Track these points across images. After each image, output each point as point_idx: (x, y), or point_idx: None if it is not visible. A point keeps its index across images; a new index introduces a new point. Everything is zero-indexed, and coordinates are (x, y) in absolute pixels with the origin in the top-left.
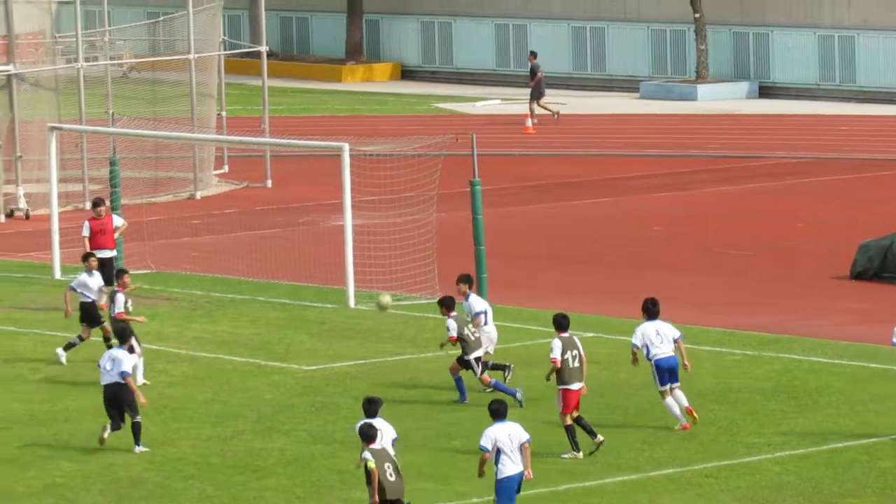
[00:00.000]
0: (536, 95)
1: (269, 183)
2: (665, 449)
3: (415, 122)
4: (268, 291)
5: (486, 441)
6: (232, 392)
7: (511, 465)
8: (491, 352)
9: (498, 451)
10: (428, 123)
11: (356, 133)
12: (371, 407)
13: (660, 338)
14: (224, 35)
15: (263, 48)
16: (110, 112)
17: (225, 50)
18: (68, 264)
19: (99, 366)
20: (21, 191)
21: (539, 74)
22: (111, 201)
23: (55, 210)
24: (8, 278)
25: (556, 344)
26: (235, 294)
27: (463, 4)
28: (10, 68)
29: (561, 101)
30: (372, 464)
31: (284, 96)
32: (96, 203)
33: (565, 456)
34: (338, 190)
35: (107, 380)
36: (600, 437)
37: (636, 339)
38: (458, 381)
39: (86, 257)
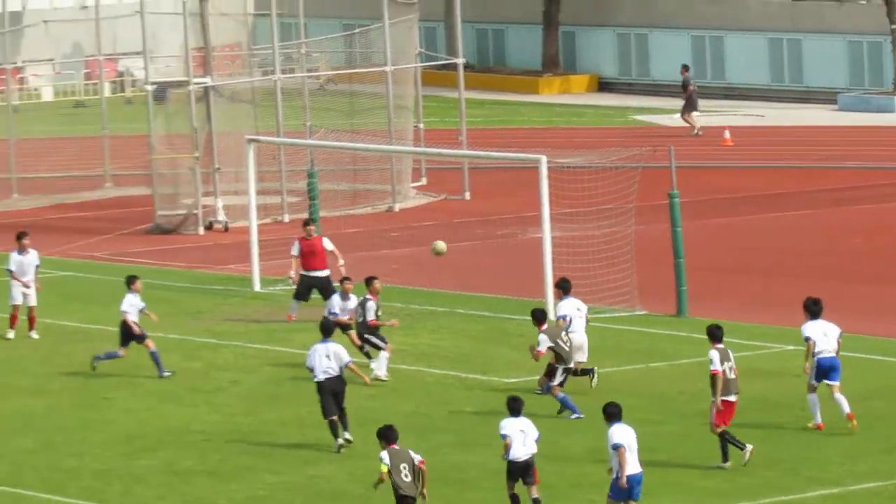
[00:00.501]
0: (688, 108)
1: (468, 195)
2: (867, 462)
3: (612, 133)
4: (467, 304)
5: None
6: (433, 405)
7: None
8: (583, 360)
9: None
10: (625, 135)
11: (553, 145)
12: (515, 405)
13: (826, 339)
14: (420, 47)
15: (460, 60)
16: (308, 124)
17: (421, 62)
18: (267, 276)
19: (311, 366)
20: (220, 203)
21: (690, 88)
22: (309, 213)
23: (254, 222)
24: (208, 290)
25: (715, 355)
26: (435, 306)
27: (659, 16)
28: (208, 80)
29: (758, 114)
30: (385, 466)
31: (481, 108)
32: (306, 223)
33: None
34: (535, 202)
35: (327, 375)
36: (749, 446)
37: (809, 332)
38: (563, 399)
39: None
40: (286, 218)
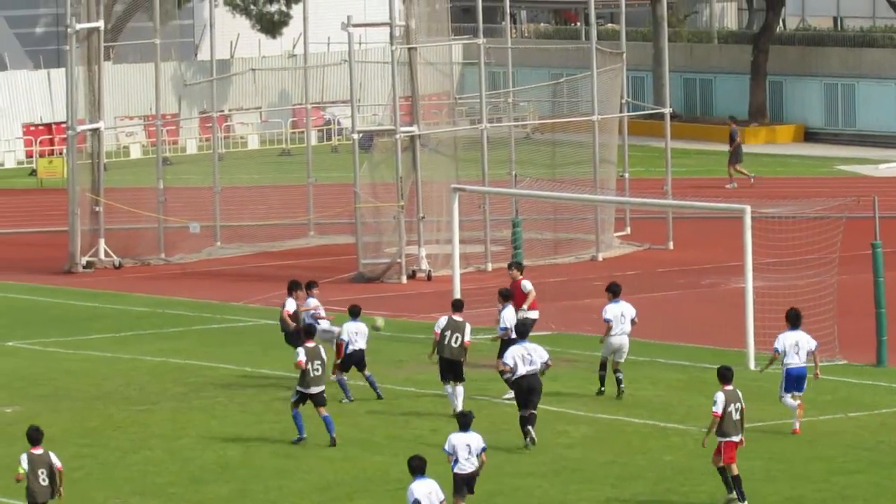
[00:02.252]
0: (734, 160)
1: (671, 245)
2: None
3: (816, 184)
4: (668, 353)
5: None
6: (632, 454)
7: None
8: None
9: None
10: (830, 185)
11: (758, 195)
12: (464, 420)
13: (796, 348)
14: (627, 96)
15: (667, 110)
16: (513, 173)
17: (628, 111)
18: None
19: (512, 364)
20: (423, 252)
21: (737, 140)
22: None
23: (457, 271)
24: (410, 339)
25: (720, 397)
26: (636, 356)
27: (867, 66)
28: (414, 129)
29: None
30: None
31: (687, 158)
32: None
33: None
34: (739, 252)
35: (529, 370)
36: (734, 496)
37: (778, 344)
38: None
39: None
40: (489, 267)
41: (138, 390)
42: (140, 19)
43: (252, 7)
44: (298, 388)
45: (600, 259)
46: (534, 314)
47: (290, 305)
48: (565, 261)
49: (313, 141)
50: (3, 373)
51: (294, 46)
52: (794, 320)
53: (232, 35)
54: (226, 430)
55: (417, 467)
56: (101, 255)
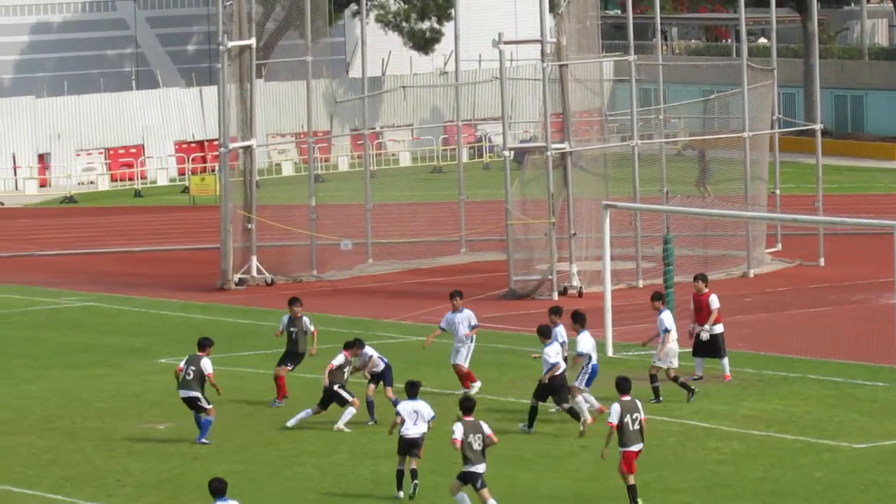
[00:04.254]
0: (703, 177)
1: (822, 261)
2: None
3: None
4: (819, 369)
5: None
6: (783, 470)
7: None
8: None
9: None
10: None
11: None
12: (412, 390)
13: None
14: (778, 112)
15: (818, 126)
16: (664, 190)
17: (779, 128)
18: (620, 342)
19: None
20: (574, 268)
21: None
22: (664, 280)
23: (608, 287)
24: None
25: (615, 408)
26: (787, 372)
27: None
28: (565, 146)
29: None
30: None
31: (838, 174)
32: (695, 278)
33: None
34: (890, 268)
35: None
36: None
37: (584, 347)
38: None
39: None
40: (640, 283)
41: (291, 407)
42: (291, 37)
43: (404, 24)
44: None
45: (751, 275)
46: (719, 328)
47: (337, 360)
48: (716, 277)
49: (465, 158)
50: (156, 389)
51: (445, 63)
52: None
53: (383, 52)
54: (378, 446)
55: (218, 489)
56: (254, 272)
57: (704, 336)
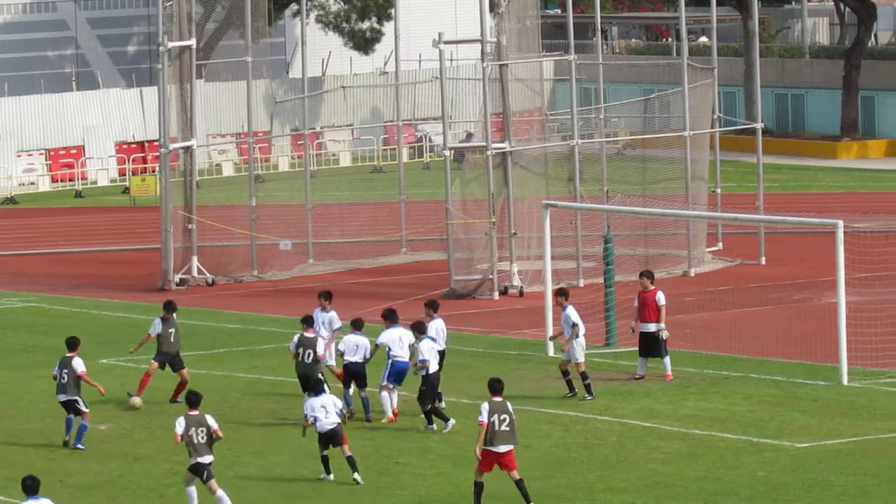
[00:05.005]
0: None
1: (763, 260)
2: None
3: None
4: (760, 368)
5: None
6: (725, 469)
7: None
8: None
9: None
10: None
11: (850, 210)
12: (317, 386)
13: (400, 343)
14: (719, 112)
15: (759, 125)
16: (605, 189)
17: (720, 126)
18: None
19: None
20: (515, 268)
21: None
22: (605, 279)
23: (549, 287)
24: (503, 356)
25: (485, 407)
26: (729, 371)
27: None
28: (506, 146)
29: None
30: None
31: (779, 173)
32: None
33: None
34: (831, 267)
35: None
36: None
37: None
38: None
39: None
40: (581, 283)
41: (231, 407)
42: (231, 37)
43: (344, 24)
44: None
45: (692, 274)
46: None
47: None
48: (658, 276)
49: (405, 158)
50: (96, 391)
51: (385, 63)
52: None
53: (324, 52)
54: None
55: (30, 487)
56: (195, 273)
57: (665, 335)
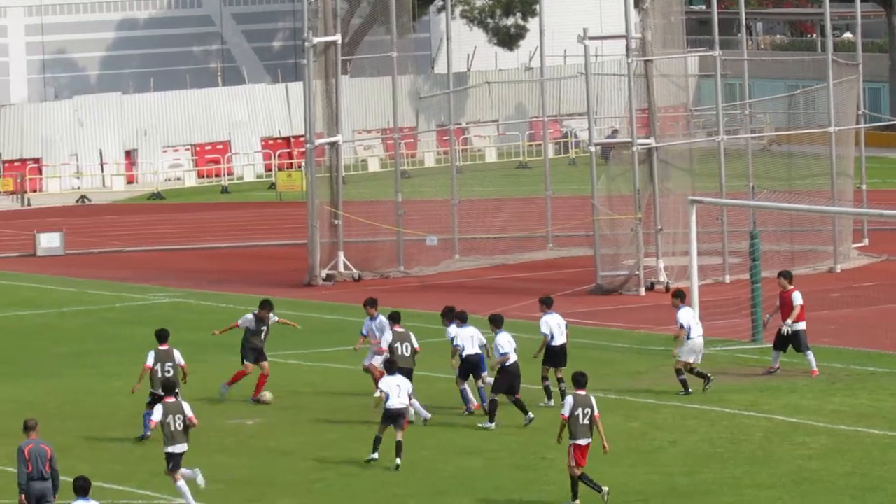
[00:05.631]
0: None
1: None
2: None
3: None
4: None
5: None
6: (871, 465)
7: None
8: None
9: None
10: None
11: None
12: (391, 367)
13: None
14: (864, 108)
15: None
16: (751, 185)
17: (864, 123)
18: (708, 336)
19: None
20: (661, 264)
21: None
22: (752, 275)
23: (695, 283)
24: (649, 351)
25: (569, 401)
26: (875, 367)
27: None
28: (651, 141)
29: None
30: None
31: None
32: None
33: None
34: None
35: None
36: (605, 488)
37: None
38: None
39: None
40: (727, 279)
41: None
42: (377, 33)
43: (489, 20)
44: None
45: (838, 270)
46: (801, 325)
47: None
48: (803, 272)
49: (550, 153)
50: (245, 385)
51: (530, 59)
52: None
53: (468, 48)
54: (466, 443)
55: (81, 487)
56: (341, 268)
57: (785, 330)
